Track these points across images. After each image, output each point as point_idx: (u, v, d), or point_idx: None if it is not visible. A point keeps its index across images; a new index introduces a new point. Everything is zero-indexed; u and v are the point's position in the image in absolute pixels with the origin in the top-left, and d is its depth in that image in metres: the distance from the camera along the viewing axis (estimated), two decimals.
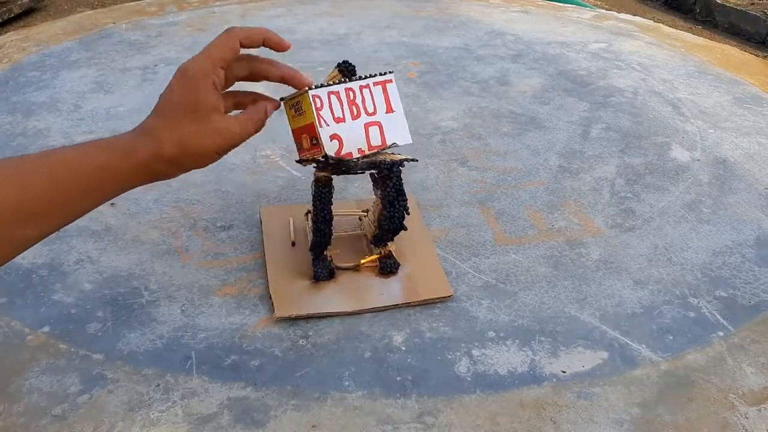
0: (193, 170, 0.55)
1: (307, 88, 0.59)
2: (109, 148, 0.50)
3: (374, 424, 0.53)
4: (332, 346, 0.60)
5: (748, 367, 0.59)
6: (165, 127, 0.51)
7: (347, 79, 0.62)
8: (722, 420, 0.54)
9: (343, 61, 0.64)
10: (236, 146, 0.55)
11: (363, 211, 0.73)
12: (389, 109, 0.64)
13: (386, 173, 0.64)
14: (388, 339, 0.61)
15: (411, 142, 0.64)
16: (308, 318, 0.63)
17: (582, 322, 0.63)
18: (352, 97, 0.62)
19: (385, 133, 0.64)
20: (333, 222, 0.66)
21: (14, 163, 0.48)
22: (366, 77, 0.63)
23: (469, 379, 0.57)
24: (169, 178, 0.54)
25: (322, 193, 0.64)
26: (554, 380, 0.57)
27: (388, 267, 0.67)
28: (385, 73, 0.64)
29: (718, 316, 0.65)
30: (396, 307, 0.64)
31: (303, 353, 0.59)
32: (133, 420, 0.53)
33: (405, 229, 0.67)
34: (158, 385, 0.56)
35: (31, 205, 0.46)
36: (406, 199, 0.66)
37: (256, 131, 0.57)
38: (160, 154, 0.51)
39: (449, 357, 0.59)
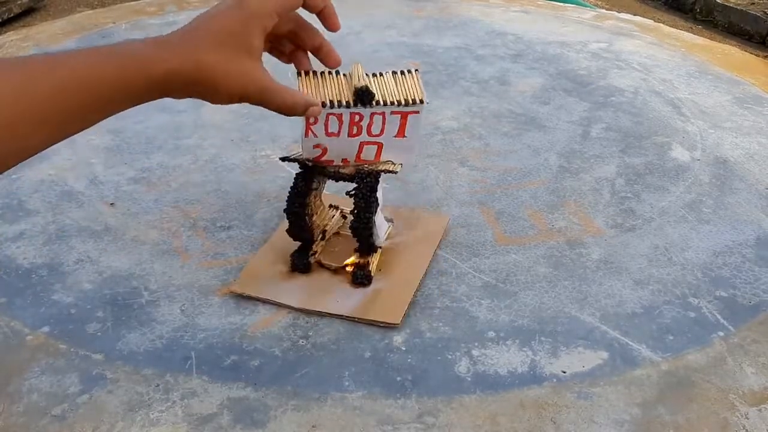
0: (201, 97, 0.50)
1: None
2: (123, 59, 0.45)
3: (374, 424, 0.53)
4: (332, 346, 0.60)
5: (749, 367, 0.59)
6: (196, 44, 0.46)
7: (359, 104, 0.57)
8: (722, 420, 0.54)
9: (363, 88, 0.57)
10: (258, 102, 0.50)
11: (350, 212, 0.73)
12: (400, 134, 0.59)
13: (357, 181, 0.62)
14: (388, 339, 0.61)
15: (412, 163, 0.61)
16: (259, 300, 0.64)
17: (582, 322, 0.63)
18: (357, 120, 0.58)
19: (382, 153, 0.61)
20: (315, 218, 0.65)
21: (20, 67, 0.42)
22: (387, 104, 0.57)
23: (469, 379, 0.57)
24: (179, 99, 0.49)
25: (297, 185, 0.63)
26: (554, 380, 0.57)
27: (357, 278, 0.65)
28: (414, 102, 0.57)
29: (719, 316, 0.65)
30: (340, 317, 0.63)
31: (303, 353, 0.59)
32: (132, 420, 0.53)
33: (372, 247, 0.65)
34: (158, 385, 0.56)
35: (36, 114, 0.41)
36: (371, 213, 0.62)
37: (282, 106, 0.51)
38: (179, 71, 0.46)
39: (449, 357, 0.59)
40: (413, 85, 0.60)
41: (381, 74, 0.61)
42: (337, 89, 0.58)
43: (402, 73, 0.61)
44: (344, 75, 0.59)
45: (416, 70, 0.61)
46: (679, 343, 0.61)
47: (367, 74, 0.60)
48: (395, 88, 0.60)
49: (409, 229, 0.73)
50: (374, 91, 0.58)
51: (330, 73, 0.58)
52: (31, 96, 0.41)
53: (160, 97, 0.47)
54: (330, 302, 0.64)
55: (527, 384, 0.57)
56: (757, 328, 0.63)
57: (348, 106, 0.57)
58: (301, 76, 0.58)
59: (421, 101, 0.58)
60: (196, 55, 0.46)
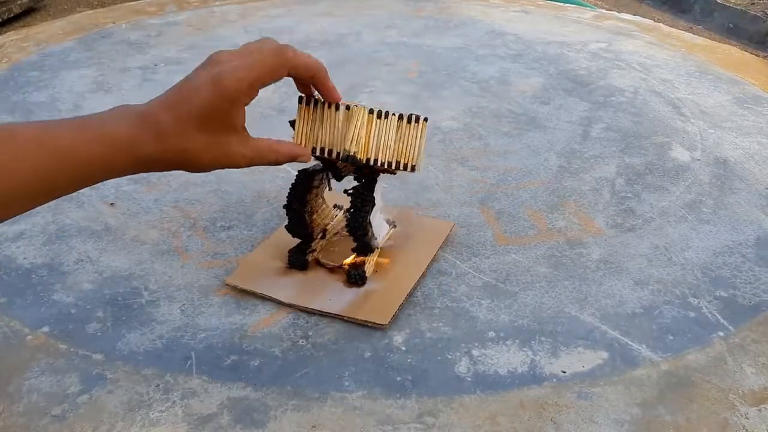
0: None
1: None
2: (106, 139, 0.46)
3: (374, 424, 0.53)
4: (332, 346, 0.60)
5: (749, 367, 0.59)
6: (175, 128, 0.47)
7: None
8: (722, 420, 0.54)
9: (348, 158, 0.57)
10: (246, 167, 0.53)
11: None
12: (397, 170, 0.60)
13: (357, 179, 0.62)
14: (388, 339, 0.61)
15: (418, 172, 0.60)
16: (251, 294, 0.65)
17: (582, 322, 0.63)
18: None
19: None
20: (315, 216, 0.65)
21: (8, 143, 0.44)
22: (376, 164, 0.57)
23: (469, 379, 0.57)
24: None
25: (298, 183, 0.64)
26: (554, 380, 0.57)
27: (352, 278, 0.65)
28: (405, 168, 0.57)
29: (719, 316, 0.65)
30: (329, 315, 0.63)
31: (303, 353, 0.59)
32: (132, 420, 0.53)
33: (369, 248, 0.65)
34: (158, 385, 0.56)
35: (19, 189, 0.44)
36: (366, 213, 0.62)
37: (269, 164, 0.54)
38: (164, 156, 0.48)
39: (449, 357, 0.59)
40: (413, 143, 0.57)
41: (386, 115, 0.58)
42: (331, 132, 0.58)
43: (409, 120, 0.58)
44: (347, 108, 0.57)
45: (425, 119, 0.58)
46: (679, 343, 0.61)
47: (371, 110, 0.57)
48: (392, 142, 0.58)
49: (412, 232, 0.73)
50: (362, 156, 0.57)
51: (330, 106, 0.58)
52: (16, 174, 0.43)
53: (144, 172, 0.50)
54: (321, 300, 0.64)
55: (527, 384, 0.57)
56: (757, 328, 0.63)
57: (337, 158, 0.58)
58: (301, 104, 0.58)
59: (413, 168, 0.57)
60: (180, 142, 0.48)
